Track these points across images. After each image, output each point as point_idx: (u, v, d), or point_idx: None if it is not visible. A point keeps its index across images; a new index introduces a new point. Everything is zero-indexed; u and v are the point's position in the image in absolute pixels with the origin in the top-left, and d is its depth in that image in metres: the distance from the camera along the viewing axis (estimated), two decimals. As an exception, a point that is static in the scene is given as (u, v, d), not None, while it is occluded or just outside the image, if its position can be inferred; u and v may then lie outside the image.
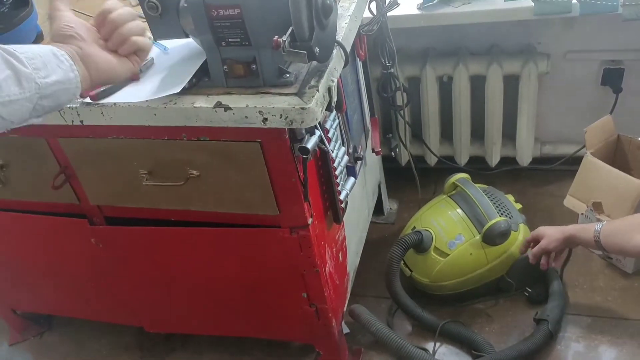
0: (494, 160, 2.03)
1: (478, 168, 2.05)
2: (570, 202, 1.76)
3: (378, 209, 2.01)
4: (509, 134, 1.99)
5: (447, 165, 2.07)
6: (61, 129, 1.17)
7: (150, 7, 1.04)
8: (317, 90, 1.02)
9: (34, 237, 1.51)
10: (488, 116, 1.94)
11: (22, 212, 1.44)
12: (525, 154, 2.00)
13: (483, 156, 2.06)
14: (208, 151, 1.16)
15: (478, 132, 2.02)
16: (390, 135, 1.97)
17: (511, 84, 1.88)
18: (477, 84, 1.90)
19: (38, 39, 1.34)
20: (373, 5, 1.52)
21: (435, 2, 1.72)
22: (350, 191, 1.40)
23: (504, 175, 2.05)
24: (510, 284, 1.67)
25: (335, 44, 1.10)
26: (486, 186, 1.78)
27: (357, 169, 1.49)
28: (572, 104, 1.95)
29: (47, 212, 1.42)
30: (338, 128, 1.34)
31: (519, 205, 1.73)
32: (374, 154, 1.74)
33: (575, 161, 1.85)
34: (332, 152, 1.28)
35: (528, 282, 1.71)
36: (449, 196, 1.76)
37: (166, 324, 1.66)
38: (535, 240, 1.53)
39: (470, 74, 1.87)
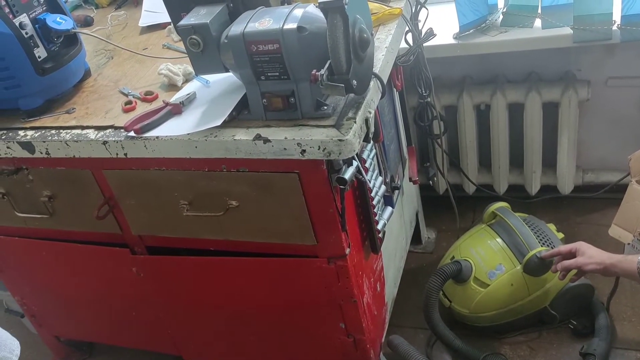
0: (534, 188, 1.99)
1: (518, 197, 2.01)
2: (615, 231, 1.71)
3: (416, 238, 1.99)
4: (549, 161, 1.96)
5: (486, 194, 2.04)
6: (106, 162, 1.21)
7: (192, 43, 1.07)
8: (355, 122, 1.03)
9: (77, 266, 1.54)
10: (527, 144, 1.92)
11: (66, 242, 1.48)
12: (566, 182, 1.96)
13: (523, 184, 2.02)
14: (247, 182, 1.18)
15: (517, 160, 1.99)
16: (428, 164, 1.96)
17: (550, 111, 1.85)
18: (516, 111, 1.88)
19: (86, 75, 1.40)
20: (409, 36, 1.53)
21: (471, 31, 1.72)
22: (387, 221, 1.39)
23: (545, 203, 2.01)
24: (554, 316, 1.63)
25: (373, 76, 1.12)
26: (526, 215, 1.75)
27: (395, 198, 1.49)
28: (614, 131, 1.91)
29: (90, 242, 1.46)
30: (375, 158, 1.35)
31: (561, 235, 1.69)
32: (412, 183, 1.73)
33: (619, 189, 1.80)
34: (370, 182, 1.28)
35: (573, 314, 1.66)
36: (489, 225, 1.73)
37: (204, 354, 1.67)
38: (570, 254, 1.47)
39: (508, 102, 1.85)
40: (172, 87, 1.28)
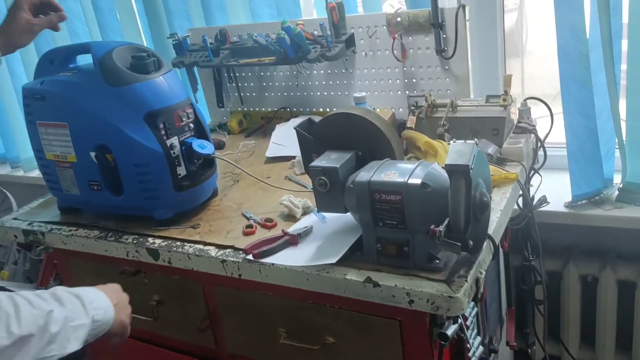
0: (644, 376, 1.84)
1: (623, 382, 1.86)
2: None
3: (505, 407, 1.86)
4: (662, 349, 1.82)
5: (587, 372, 1.90)
6: (219, 278, 1.28)
7: (320, 184, 1.16)
8: (466, 281, 1.04)
9: (165, 373, 1.58)
10: (638, 326, 1.80)
11: (162, 347, 1.53)
12: (682, 376, 1.79)
13: (630, 369, 1.87)
14: (347, 321, 1.19)
15: (625, 342, 1.86)
16: (528, 330, 1.88)
17: (666, 295, 1.75)
18: (626, 289, 1.80)
19: (213, 194, 1.53)
20: (520, 199, 1.56)
21: (584, 202, 1.72)
22: (482, 386, 1.33)
23: (656, 395, 1.84)
24: None
25: (487, 237, 1.14)
26: (634, 406, 1.60)
27: (491, 361, 1.43)
28: None
29: (182, 351, 1.50)
30: (476, 316, 1.32)
31: None
32: (508, 347, 1.66)
33: None
34: (469, 341, 1.25)
35: None
36: (590, 410, 1.60)
37: None
38: None
39: (617, 278, 1.78)
40: (291, 217, 1.36)
